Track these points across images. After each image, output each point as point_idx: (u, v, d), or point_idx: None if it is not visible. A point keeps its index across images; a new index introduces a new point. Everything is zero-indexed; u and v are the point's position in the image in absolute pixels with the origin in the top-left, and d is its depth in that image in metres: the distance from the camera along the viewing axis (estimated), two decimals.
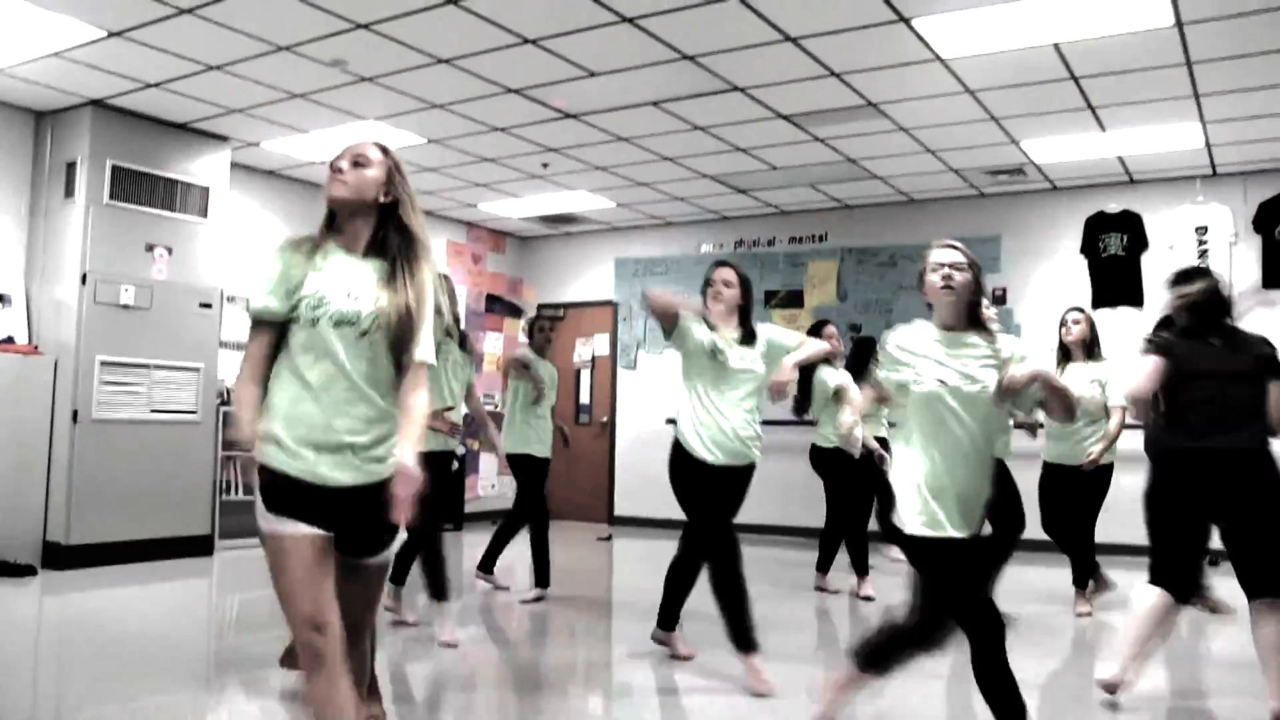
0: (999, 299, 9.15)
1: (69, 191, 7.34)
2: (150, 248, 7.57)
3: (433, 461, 4.23)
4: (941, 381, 3.09)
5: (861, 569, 6.76)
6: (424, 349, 2.54)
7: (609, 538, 9.99)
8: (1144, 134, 7.53)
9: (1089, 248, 8.95)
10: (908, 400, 3.15)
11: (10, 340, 7.26)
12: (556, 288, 11.84)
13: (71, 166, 7.33)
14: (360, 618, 2.63)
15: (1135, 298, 8.74)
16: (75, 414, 7.16)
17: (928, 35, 5.82)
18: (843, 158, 8.30)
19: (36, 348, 7.32)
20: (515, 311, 11.81)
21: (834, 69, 6.35)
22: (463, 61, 6.37)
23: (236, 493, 8.47)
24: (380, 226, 2.59)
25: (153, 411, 7.46)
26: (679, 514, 4.63)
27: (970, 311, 3.21)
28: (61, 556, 7.06)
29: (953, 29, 5.76)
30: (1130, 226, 8.83)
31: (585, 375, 11.62)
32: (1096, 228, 8.94)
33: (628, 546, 9.51)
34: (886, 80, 6.53)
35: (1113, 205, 8.86)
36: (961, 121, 7.32)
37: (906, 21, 5.64)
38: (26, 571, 6.88)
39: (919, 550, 3.11)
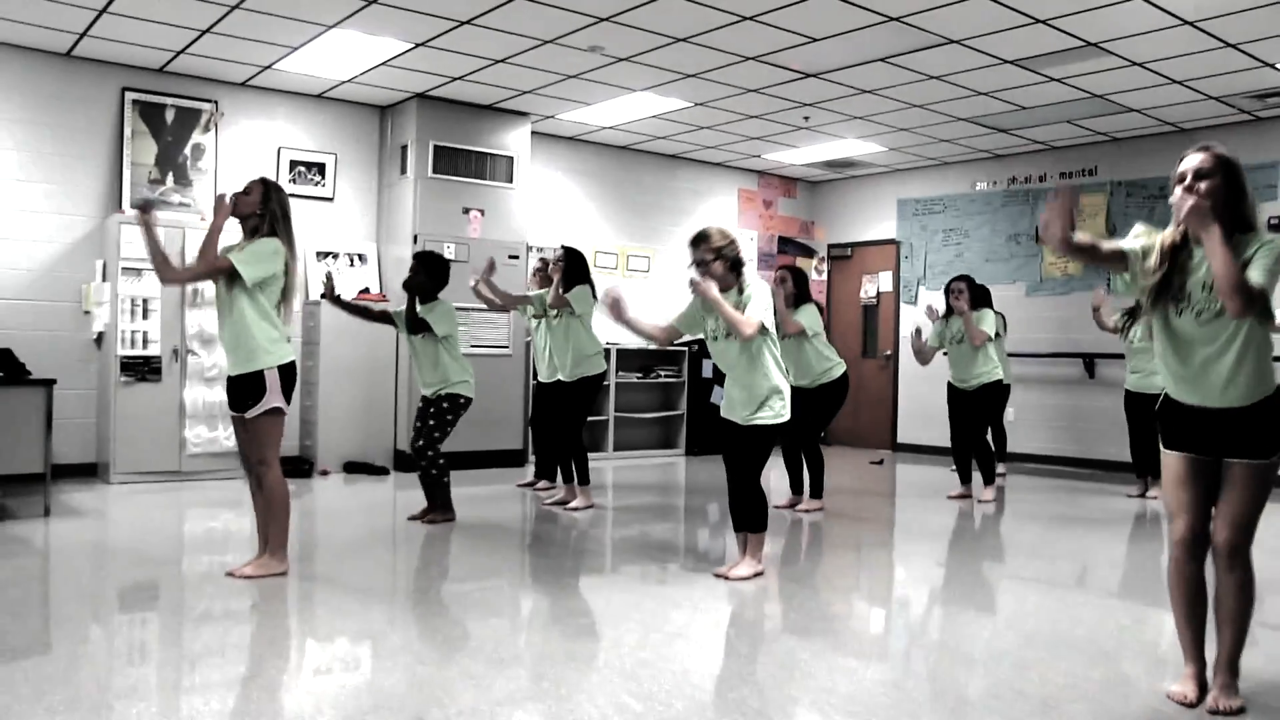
0: (1277, 227, 8.86)
1: (403, 169, 9.12)
2: (466, 211, 9.22)
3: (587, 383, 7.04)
4: None
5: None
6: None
7: (880, 461, 10.70)
8: None
9: None
10: None
11: (367, 290, 9.15)
12: (845, 228, 12.53)
13: (404, 149, 9.10)
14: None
15: None
16: None
17: None
18: (1088, 94, 8.41)
19: (385, 295, 9.16)
20: (808, 252, 12.66)
21: (1037, 16, 6.66)
22: (698, 39, 7.31)
23: None
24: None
25: (473, 347, 9.09)
26: None
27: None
28: (407, 461, 8.88)
29: None
30: None
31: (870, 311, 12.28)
32: None
33: (904, 471, 10.19)
34: (1095, 21, 6.72)
35: None
36: (1195, 51, 7.28)
37: None
38: (382, 472, 8.79)
39: None
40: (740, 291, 4.87)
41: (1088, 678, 3.57)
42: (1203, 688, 3.20)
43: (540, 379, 7.61)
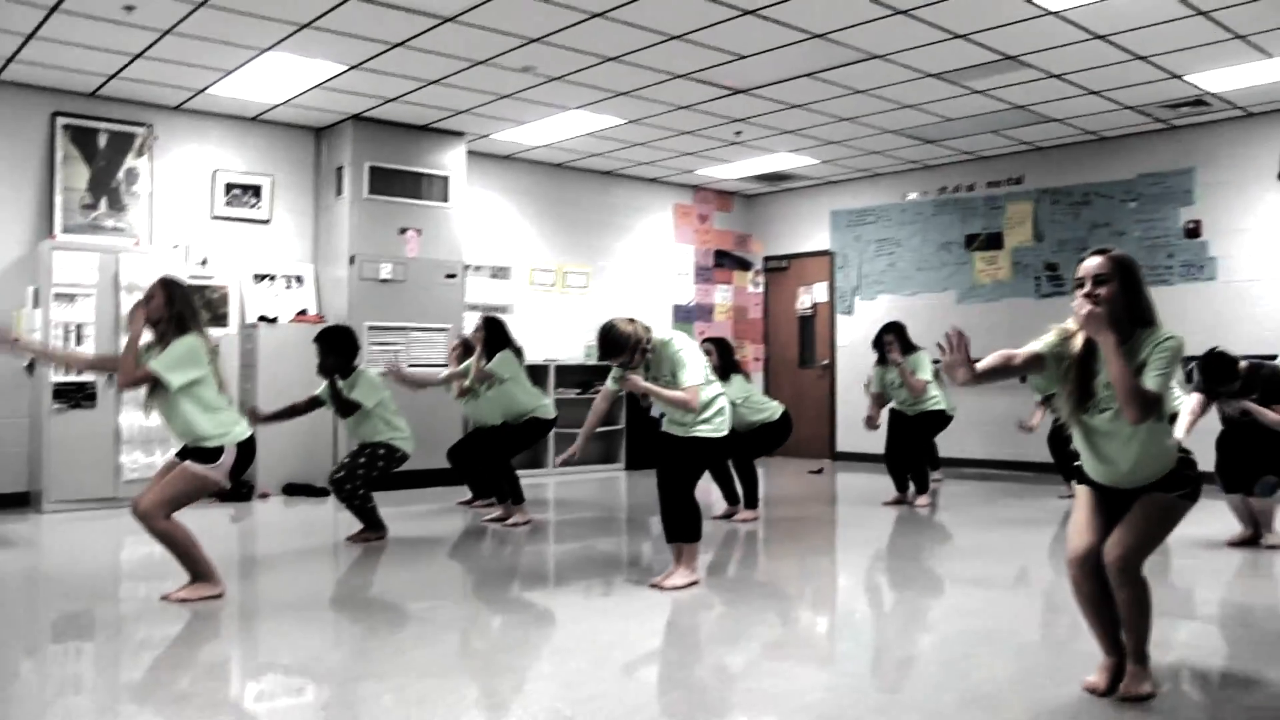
0: (1193, 232, 9.17)
1: (339, 190, 9.14)
2: (403, 231, 9.26)
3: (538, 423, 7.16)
4: None
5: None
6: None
7: (820, 470, 10.86)
8: None
9: None
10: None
11: (305, 312, 9.14)
12: (781, 240, 12.71)
13: (340, 170, 9.12)
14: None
15: None
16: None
17: None
18: (1010, 105, 8.67)
19: (322, 316, 9.16)
20: (744, 265, 12.82)
21: (956, 31, 6.87)
22: (628, 58, 7.42)
23: None
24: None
25: (410, 365, 9.08)
26: None
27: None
28: None
29: None
30: None
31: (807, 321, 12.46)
32: None
33: (843, 479, 10.35)
34: (1012, 36, 6.94)
35: None
36: (1109, 64, 7.54)
37: None
38: (322, 493, 8.75)
39: None
40: (648, 368, 5.08)
41: (1016, 672, 3.70)
42: (1117, 677, 3.34)
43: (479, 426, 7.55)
